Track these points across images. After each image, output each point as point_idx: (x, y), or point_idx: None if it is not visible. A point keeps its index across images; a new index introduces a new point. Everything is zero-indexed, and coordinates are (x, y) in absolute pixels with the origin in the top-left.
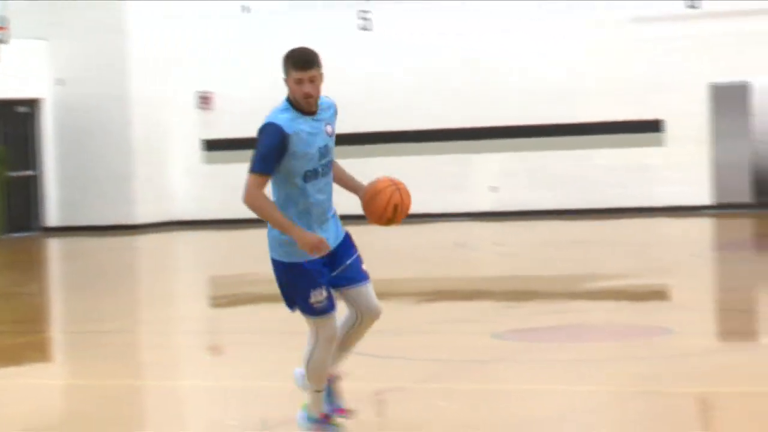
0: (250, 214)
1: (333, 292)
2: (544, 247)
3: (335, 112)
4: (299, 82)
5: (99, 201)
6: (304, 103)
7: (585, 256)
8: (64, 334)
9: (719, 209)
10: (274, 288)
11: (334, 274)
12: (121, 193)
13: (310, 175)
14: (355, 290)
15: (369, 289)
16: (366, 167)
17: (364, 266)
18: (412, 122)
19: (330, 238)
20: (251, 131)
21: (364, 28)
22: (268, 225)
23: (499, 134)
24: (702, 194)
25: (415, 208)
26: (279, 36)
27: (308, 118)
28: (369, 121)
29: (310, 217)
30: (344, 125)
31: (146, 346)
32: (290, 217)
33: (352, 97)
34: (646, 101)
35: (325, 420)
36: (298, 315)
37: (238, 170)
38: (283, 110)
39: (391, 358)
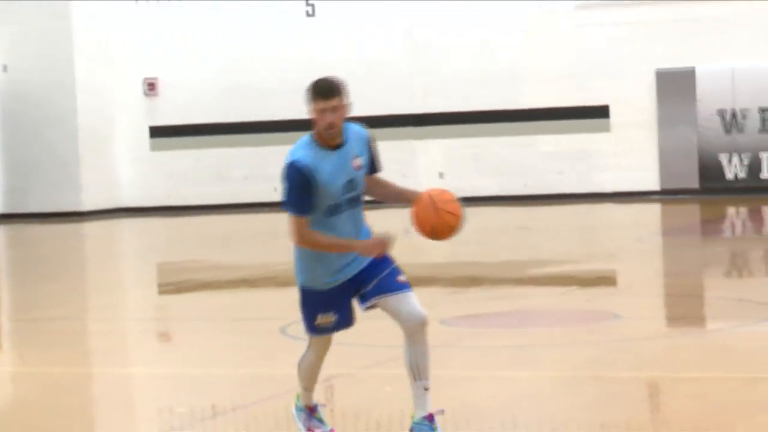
0: (197, 201)
1: (369, 305)
2: (491, 233)
3: (368, 143)
4: (322, 111)
5: (45, 188)
6: (326, 135)
7: (532, 242)
8: (10, 321)
9: (665, 195)
10: (221, 274)
11: (367, 289)
12: (68, 180)
13: (333, 210)
14: (391, 299)
15: (408, 297)
16: None
17: (404, 278)
18: (357, 109)
19: (357, 259)
20: (197, 118)
21: (309, 15)
22: (295, 251)
23: (444, 120)
24: (648, 180)
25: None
26: (225, 22)
27: (331, 153)
28: None
29: (326, 271)
30: (289, 111)
31: (93, 333)
32: (313, 252)
33: (297, 84)
34: (592, 87)
35: (310, 413)
36: (244, 302)
37: (184, 157)
38: (305, 146)
39: (339, 344)
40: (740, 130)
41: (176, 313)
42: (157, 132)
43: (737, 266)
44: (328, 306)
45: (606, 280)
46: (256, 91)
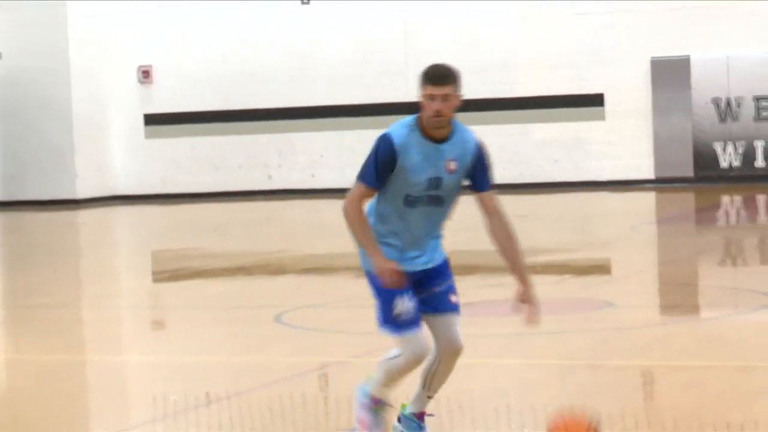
0: (192, 189)
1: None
2: (481, 220)
3: (474, 153)
4: (431, 98)
5: (40, 176)
6: (432, 122)
7: (526, 231)
8: (5, 308)
9: (660, 183)
10: (216, 262)
11: (420, 296)
12: (62, 167)
13: (411, 202)
14: (438, 318)
15: (452, 321)
16: (307, 141)
17: (455, 298)
18: (351, 97)
19: (422, 258)
20: (192, 106)
21: (304, 2)
22: None
23: None
24: (643, 168)
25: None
26: (220, 10)
27: (428, 144)
28: (308, 95)
29: (401, 239)
30: (284, 99)
31: (88, 320)
32: (380, 232)
33: (291, 72)
34: (587, 75)
35: (375, 403)
36: (238, 290)
37: (179, 145)
38: (404, 125)
39: (331, 332)
40: (735, 118)
41: (171, 301)
42: (151, 120)
43: (731, 255)
44: (402, 288)
45: (600, 268)
46: (250, 79)
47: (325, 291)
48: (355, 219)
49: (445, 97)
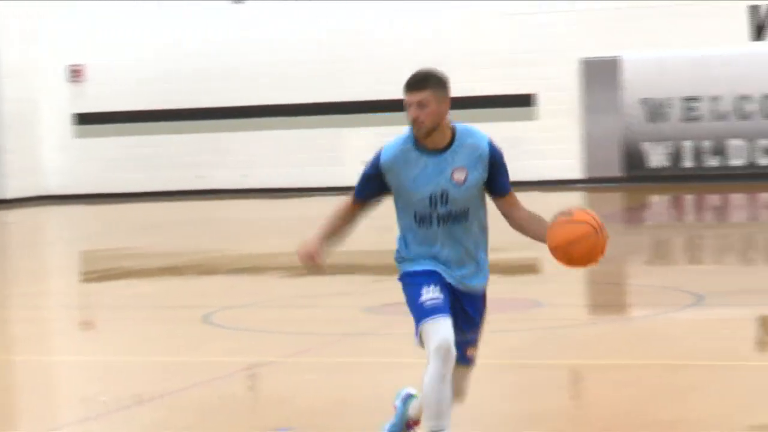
0: (124, 189)
1: None
2: None
3: (486, 157)
4: (407, 105)
5: None
6: (414, 132)
7: None
8: None
9: (590, 183)
10: (147, 262)
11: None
12: None
13: (422, 220)
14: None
15: (463, 374)
16: (240, 141)
17: (472, 352)
18: (284, 96)
19: (462, 270)
20: (125, 105)
21: (237, 1)
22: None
23: (372, 108)
24: (573, 168)
25: (289, 182)
26: (153, 9)
27: (426, 156)
28: (240, 95)
29: (439, 258)
30: (216, 98)
31: (16, 320)
32: (419, 253)
33: (224, 72)
34: (519, 75)
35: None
36: (169, 290)
37: (112, 144)
38: (400, 141)
39: (263, 332)
40: (663, 118)
41: (101, 301)
42: (84, 119)
43: (660, 254)
44: (431, 280)
45: (530, 268)
46: (183, 78)
47: (256, 291)
48: (334, 214)
49: (420, 104)
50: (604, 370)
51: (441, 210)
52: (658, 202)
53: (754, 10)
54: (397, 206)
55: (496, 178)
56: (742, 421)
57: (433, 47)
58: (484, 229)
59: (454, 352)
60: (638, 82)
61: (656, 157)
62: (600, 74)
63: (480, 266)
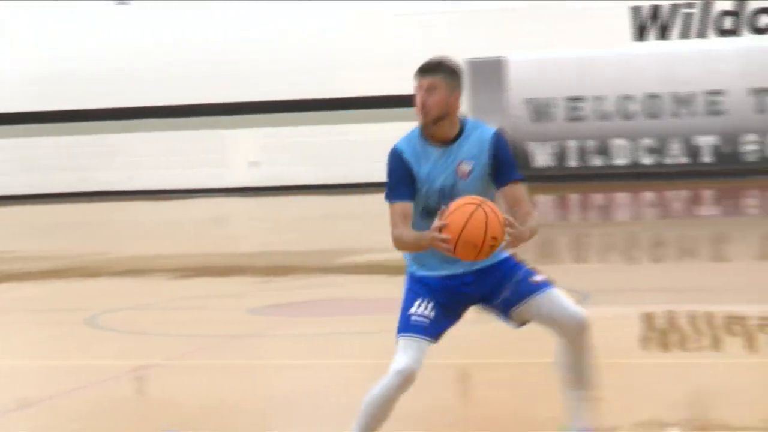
0: (6, 191)
1: (511, 320)
2: (303, 221)
3: (490, 146)
4: (416, 90)
5: None
6: (420, 118)
7: (343, 231)
8: None
9: None
10: (30, 265)
11: (499, 299)
12: None
13: (431, 214)
14: (534, 304)
15: (553, 295)
16: (126, 142)
17: (539, 277)
18: (171, 97)
19: (477, 277)
20: (8, 106)
21: (121, 3)
22: None
23: (258, 109)
24: None
25: (173, 184)
26: (36, 9)
27: (435, 149)
28: (126, 97)
29: (437, 256)
30: (100, 100)
31: None
32: (417, 255)
33: (108, 73)
34: (406, 76)
35: None
36: (54, 293)
37: None
38: (409, 136)
39: (149, 335)
40: (548, 119)
41: None
42: None
43: (545, 253)
44: (430, 295)
45: None
46: (68, 79)
47: (141, 293)
48: (402, 242)
49: (429, 88)
50: (490, 369)
51: (447, 203)
52: (544, 201)
53: (635, 10)
54: None
55: (497, 168)
56: (627, 419)
57: (320, 48)
58: None
59: (413, 381)
60: (523, 82)
61: (541, 156)
62: (485, 75)
63: (505, 260)
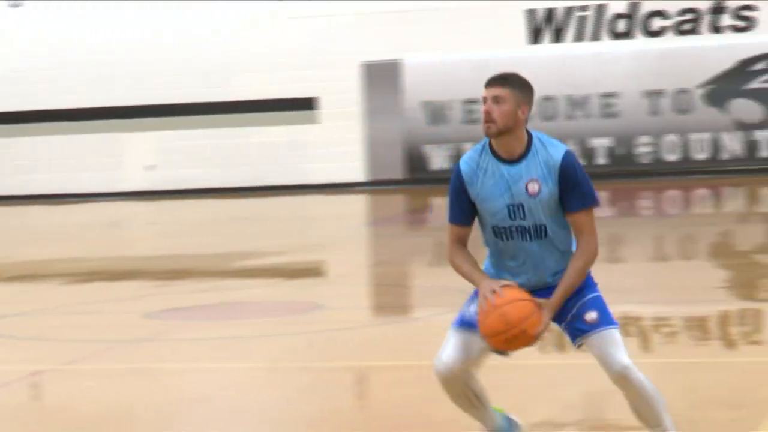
0: None
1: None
2: (201, 225)
3: (559, 170)
4: (483, 101)
5: None
6: (484, 129)
7: (241, 234)
8: None
9: (373, 186)
10: None
11: (563, 325)
12: None
13: (499, 233)
14: (587, 342)
15: (601, 340)
16: (20, 147)
17: (594, 314)
18: (64, 100)
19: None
20: None
21: (14, 4)
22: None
23: (155, 112)
24: (356, 171)
25: (68, 188)
26: None
27: (501, 165)
28: (21, 100)
29: (502, 273)
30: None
31: None
32: (491, 262)
33: (2, 76)
34: (300, 79)
35: None
36: None
37: None
38: (476, 150)
39: (41, 340)
40: (444, 121)
41: None
42: None
43: (442, 255)
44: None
45: (312, 271)
46: None
47: (34, 299)
48: (455, 263)
49: (495, 99)
50: (385, 371)
51: (519, 223)
52: (440, 204)
53: (530, 13)
54: (480, 222)
55: (565, 193)
56: (524, 420)
57: (213, 49)
58: (565, 253)
59: (451, 378)
60: (419, 85)
61: (437, 159)
62: (381, 77)
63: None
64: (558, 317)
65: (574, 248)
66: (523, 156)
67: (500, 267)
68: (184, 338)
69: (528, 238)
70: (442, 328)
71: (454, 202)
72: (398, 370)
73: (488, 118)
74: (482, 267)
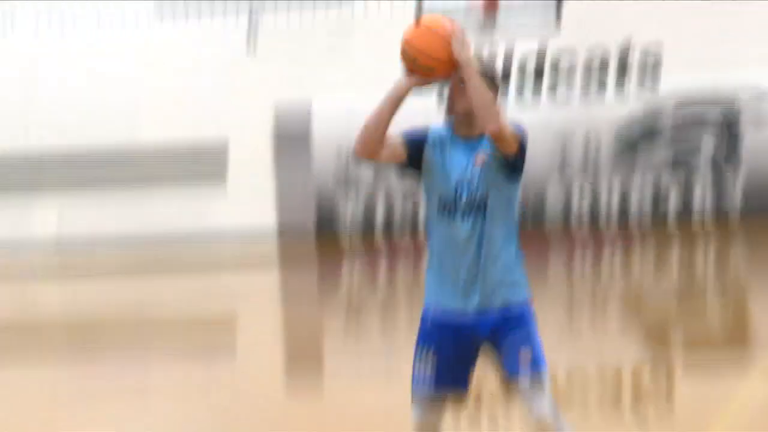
0: None
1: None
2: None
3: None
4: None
5: None
6: (448, 104)
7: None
8: None
9: (283, 237)
10: None
11: (496, 352)
12: None
13: (444, 208)
14: (515, 382)
15: (527, 390)
16: None
17: (526, 353)
18: None
19: (474, 298)
20: None
21: None
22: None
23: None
24: (265, 219)
25: None
26: None
27: (459, 141)
28: None
29: (442, 268)
30: None
31: None
32: (433, 266)
33: None
34: (212, 121)
35: None
36: None
37: None
38: (443, 126)
39: None
40: (356, 168)
41: None
42: None
43: (357, 315)
44: (432, 340)
45: None
46: None
47: None
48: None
49: (460, 82)
50: None
51: (466, 202)
52: (351, 255)
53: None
54: (425, 195)
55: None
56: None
57: (116, 90)
58: (511, 232)
59: None
60: (330, 130)
61: (349, 208)
62: (291, 122)
63: (505, 280)
64: (494, 333)
65: (515, 247)
66: (481, 135)
67: (436, 257)
68: None
69: (476, 219)
70: None
71: (413, 132)
72: None
73: (449, 100)
74: (424, 282)
